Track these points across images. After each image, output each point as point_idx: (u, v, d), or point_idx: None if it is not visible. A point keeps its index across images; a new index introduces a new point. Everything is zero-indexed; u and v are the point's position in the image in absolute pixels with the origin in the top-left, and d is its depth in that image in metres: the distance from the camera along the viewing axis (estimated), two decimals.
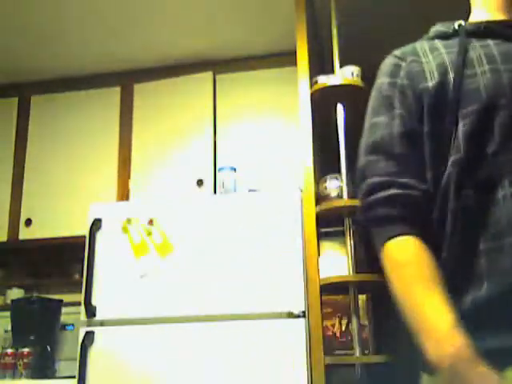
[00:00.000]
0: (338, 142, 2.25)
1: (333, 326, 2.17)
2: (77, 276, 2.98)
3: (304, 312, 2.01)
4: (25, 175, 2.93)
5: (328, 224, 2.26)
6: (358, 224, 1.92)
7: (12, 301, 2.73)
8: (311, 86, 2.33)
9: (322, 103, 2.32)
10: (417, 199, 0.92)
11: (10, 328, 2.70)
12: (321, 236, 2.23)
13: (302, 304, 2.02)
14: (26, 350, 2.48)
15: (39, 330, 2.63)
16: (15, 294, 2.97)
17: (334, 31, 2.35)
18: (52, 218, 2.83)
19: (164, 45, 2.81)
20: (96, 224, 2.28)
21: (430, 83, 0.96)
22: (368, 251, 0.98)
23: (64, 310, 2.78)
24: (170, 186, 2.71)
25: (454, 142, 0.91)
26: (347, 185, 2.19)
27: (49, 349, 2.63)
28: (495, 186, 0.87)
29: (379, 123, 1.00)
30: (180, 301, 2.12)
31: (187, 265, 2.16)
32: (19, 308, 2.68)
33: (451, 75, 0.95)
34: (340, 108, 2.29)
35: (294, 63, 2.37)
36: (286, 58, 2.70)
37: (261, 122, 2.75)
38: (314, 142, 2.26)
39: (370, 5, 2.53)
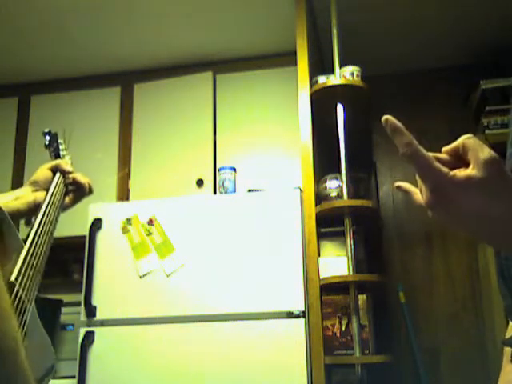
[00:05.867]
0: (338, 141, 2.25)
1: (333, 325, 2.17)
2: (77, 276, 2.98)
3: (304, 312, 2.01)
4: (25, 175, 2.93)
5: (328, 224, 2.26)
6: None
7: None
8: (311, 86, 2.33)
9: (322, 103, 2.32)
10: None
11: None
12: (321, 236, 2.23)
13: (302, 304, 2.02)
14: None
15: None
16: None
17: (334, 31, 2.35)
18: None
19: (164, 45, 2.81)
20: (96, 224, 2.28)
21: None
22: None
23: (64, 309, 2.78)
24: (169, 186, 2.71)
25: None
26: (347, 185, 2.20)
27: None
28: None
29: None
30: (180, 301, 2.12)
31: (187, 265, 2.16)
32: None
33: None
34: (340, 108, 2.30)
35: (294, 63, 2.37)
36: (286, 58, 2.70)
37: (261, 122, 2.75)
38: (313, 142, 2.27)
39: (370, 5, 2.53)
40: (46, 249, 0.99)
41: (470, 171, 0.55)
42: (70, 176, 1.28)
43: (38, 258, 0.93)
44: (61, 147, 1.46)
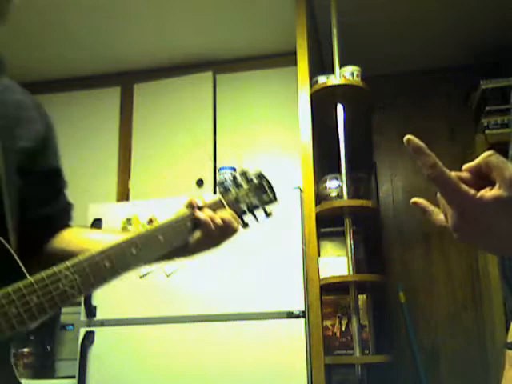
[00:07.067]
0: (338, 141, 2.25)
1: (333, 325, 2.17)
2: None
3: (304, 312, 2.01)
4: None
5: (328, 224, 2.26)
6: None
7: None
8: (311, 86, 2.33)
9: (322, 103, 2.32)
10: None
11: None
12: (321, 236, 2.23)
13: (302, 304, 2.02)
14: (25, 349, 2.48)
15: (39, 330, 2.62)
16: None
17: (334, 31, 2.35)
18: None
19: (164, 45, 2.81)
20: (96, 224, 2.28)
21: None
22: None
23: (64, 309, 2.78)
24: (169, 186, 2.71)
25: None
26: (347, 185, 2.20)
27: (49, 349, 2.63)
28: None
29: None
30: (180, 301, 2.12)
31: (187, 265, 2.15)
32: None
33: None
34: (340, 108, 2.29)
35: (294, 63, 2.37)
36: (286, 57, 2.70)
37: (261, 122, 2.75)
38: (313, 142, 2.27)
39: (370, 5, 2.53)
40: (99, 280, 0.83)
41: (497, 191, 0.53)
42: (197, 212, 1.05)
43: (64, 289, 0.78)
44: (234, 180, 1.19)
